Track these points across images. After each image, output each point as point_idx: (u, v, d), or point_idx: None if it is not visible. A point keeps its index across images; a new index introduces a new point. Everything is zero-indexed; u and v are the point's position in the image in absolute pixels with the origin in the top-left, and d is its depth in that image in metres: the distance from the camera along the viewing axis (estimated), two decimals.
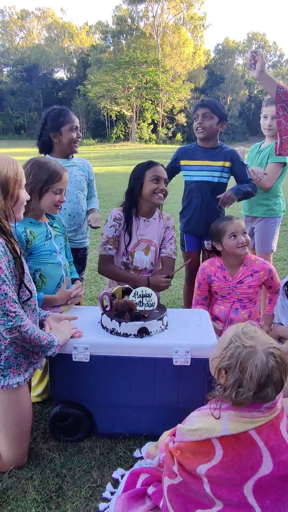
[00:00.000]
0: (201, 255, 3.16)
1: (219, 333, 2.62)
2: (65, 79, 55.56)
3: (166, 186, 2.46)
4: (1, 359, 1.70)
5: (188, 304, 3.29)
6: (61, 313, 2.14)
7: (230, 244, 2.54)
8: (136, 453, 1.93)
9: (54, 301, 2.16)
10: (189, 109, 46.96)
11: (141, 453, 1.93)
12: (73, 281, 2.36)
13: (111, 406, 1.98)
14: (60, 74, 57.10)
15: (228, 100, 52.84)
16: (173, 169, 2.99)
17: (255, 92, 56.50)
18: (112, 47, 50.99)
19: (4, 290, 1.55)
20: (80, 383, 1.95)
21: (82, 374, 1.93)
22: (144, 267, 2.54)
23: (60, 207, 2.22)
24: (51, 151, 2.69)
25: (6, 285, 1.56)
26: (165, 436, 1.66)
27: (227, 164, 2.82)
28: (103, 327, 2.01)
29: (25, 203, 1.75)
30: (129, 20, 50.84)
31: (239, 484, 1.34)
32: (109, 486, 1.76)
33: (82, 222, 2.77)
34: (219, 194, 2.81)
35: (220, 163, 2.82)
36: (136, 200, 2.46)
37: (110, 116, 43.35)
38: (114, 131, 43.85)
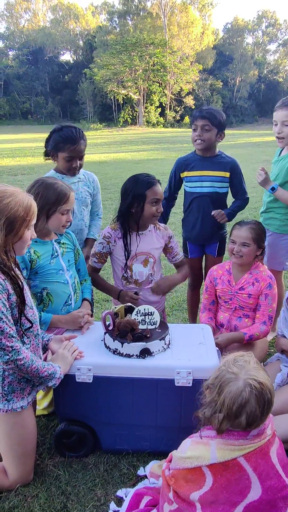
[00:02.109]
0: (203, 261, 3.17)
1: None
2: (71, 61, 54.92)
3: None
4: (4, 385, 1.74)
5: (191, 309, 3.32)
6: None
7: (229, 248, 2.59)
8: (140, 471, 1.97)
9: (60, 324, 2.17)
10: (197, 91, 46.21)
11: (145, 471, 1.96)
12: (83, 301, 2.36)
13: (115, 424, 2.01)
14: (66, 56, 56.74)
15: (237, 81, 51.87)
16: (176, 182, 2.98)
17: (265, 72, 55.41)
18: (118, 28, 50.04)
19: (0, 327, 1.58)
20: (83, 402, 1.98)
21: (85, 393, 1.96)
22: (144, 279, 2.53)
23: (66, 227, 2.22)
24: None
25: (3, 322, 1.59)
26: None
27: (227, 174, 2.80)
28: (106, 347, 2.03)
29: (29, 242, 1.75)
30: None
31: (229, 510, 1.38)
32: (112, 505, 1.80)
33: (85, 236, 2.77)
34: (220, 204, 2.85)
35: (220, 173, 2.80)
36: (134, 217, 2.40)
37: (117, 99, 42.81)
38: (122, 115, 43.35)
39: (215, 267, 2.72)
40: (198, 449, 1.45)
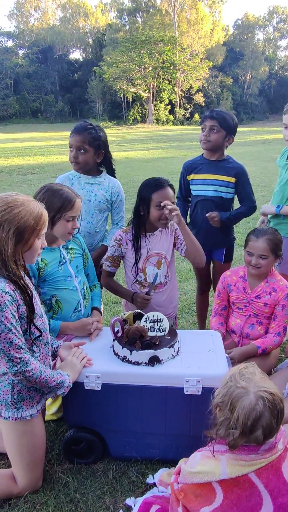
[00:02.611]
0: (211, 266, 3.14)
1: (233, 345, 2.61)
2: (81, 60, 55.05)
3: None
4: (14, 393, 1.74)
5: (200, 313, 3.30)
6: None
7: (245, 259, 2.53)
8: (149, 479, 1.96)
9: (70, 331, 2.16)
10: (207, 88, 45.96)
11: (154, 479, 1.95)
12: (93, 309, 2.36)
13: (123, 432, 2.00)
14: (76, 55, 56.72)
15: (248, 78, 51.55)
16: (186, 186, 2.94)
17: (276, 69, 54.94)
18: (128, 26, 49.96)
19: (9, 339, 1.58)
20: (92, 409, 1.97)
21: (94, 401, 1.95)
22: (159, 282, 2.50)
23: (73, 234, 2.20)
24: None
25: (12, 333, 1.58)
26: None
27: (232, 180, 2.76)
28: (115, 353, 2.02)
29: (40, 251, 1.73)
30: None
31: None
32: None
33: (96, 242, 2.72)
34: (224, 209, 2.81)
35: (225, 178, 2.75)
36: (142, 220, 2.39)
37: (127, 97, 42.81)
38: (131, 113, 43.34)
39: (229, 273, 2.68)
40: (208, 464, 1.42)
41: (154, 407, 1.93)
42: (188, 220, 3.00)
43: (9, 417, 1.75)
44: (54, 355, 2.00)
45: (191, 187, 2.89)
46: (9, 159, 15.44)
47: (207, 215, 2.75)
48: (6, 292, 1.56)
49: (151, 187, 2.32)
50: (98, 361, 1.98)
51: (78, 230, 2.27)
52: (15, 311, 1.60)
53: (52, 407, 2.33)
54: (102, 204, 2.65)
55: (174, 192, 2.37)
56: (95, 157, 2.58)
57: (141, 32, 42.17)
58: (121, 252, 2.46)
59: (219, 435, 1.42)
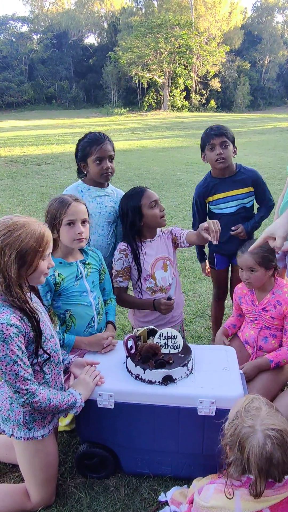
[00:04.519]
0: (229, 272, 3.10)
1: (247, 357, 2.57)
2: (96, 45, 54.31)
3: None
4: (26, 414, 1.73)
5: (216, 320, 3.27)
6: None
7: (239, 274, 2.51)
8: (161, 497, 1.95)
9: (84, 346, 2.14)
10: (224, 73, 45.06)
11: (166, 497, 1.95)
12: (107, 324, 2.34)
13: (136, 449, 2.00)
14: (91, 39, 56.14)
15: (266, 62, 50.35)
16: (203, 209, 2.91)
17: None
18: (143, 9, 49.00)
19: (15, 371, 1.56)
20: (105, 426, 1.97)
21: (106, 418, 1.94)
22: (168, 284, 2.52)
23: (83, 240, 2.11)
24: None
25: (18, 365, 1.57)
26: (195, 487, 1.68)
27: (251, 189, 2.75)
28: (128, 370, 2.00)
29: (46, 272, 1.70)
30: None
31: None
32: None
33: (108, 254, 2.63)
34: (247, 217, 2.80)
35: (245, 190, 2.74)
36: (140, 230, 2.45)
37: (142, 83, 42.15)
38: (146, 99, 42.76)
39: (240, 285, 2.64)
40: (222, 499, 1.40)
41: (167, 426, 1.92)
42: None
43: (21, 437, 1.75)
44: (66, 370, 1.99)
45: (212, 207, 2.85)
46: (24, 148, 15.40)
47: (232, 233, 2.75)
48: (11, 325, 1.54)
49: (134, 196, 2.40)
50: (111, 379, 1.96)
51: (88, 239, 2.20)
52: (21, 342, 1.58)
53: (65, 419, 2.33)
54: (111, 216, 2.58)
55: None
56: None
57: (157, 16, 41.25)
58: (129, 262, 2.47)
59: (231, 476, 1.39)
